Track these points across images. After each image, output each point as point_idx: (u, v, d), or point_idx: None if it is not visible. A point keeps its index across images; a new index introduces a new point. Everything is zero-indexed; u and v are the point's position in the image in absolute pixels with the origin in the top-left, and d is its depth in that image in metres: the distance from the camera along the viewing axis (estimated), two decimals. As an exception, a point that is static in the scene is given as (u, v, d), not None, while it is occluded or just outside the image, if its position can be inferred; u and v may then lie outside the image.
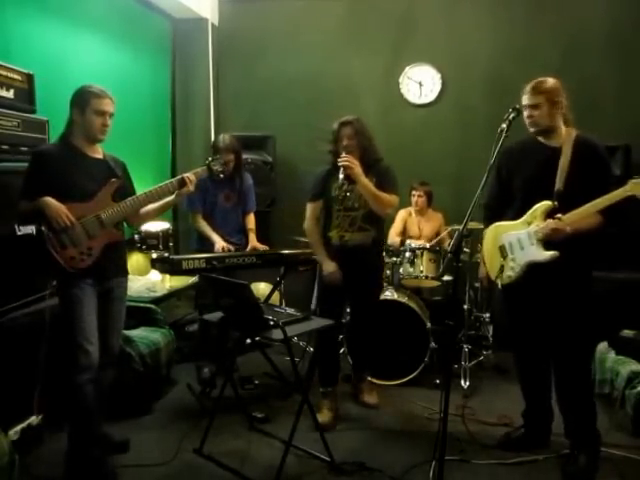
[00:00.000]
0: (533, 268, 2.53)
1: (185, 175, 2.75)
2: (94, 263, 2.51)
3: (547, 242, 2.47)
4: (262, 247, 3.62)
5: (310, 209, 3.22)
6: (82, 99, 2.51)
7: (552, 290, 2.55)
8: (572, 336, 2.55)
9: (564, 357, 2.58)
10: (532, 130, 2.57)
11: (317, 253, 3.19)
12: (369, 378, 3.52)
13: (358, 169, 2.93)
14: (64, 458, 2.52)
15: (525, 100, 2.53)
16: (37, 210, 2.42)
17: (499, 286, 2.68)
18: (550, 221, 2.45)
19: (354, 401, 3.39)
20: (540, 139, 2.60)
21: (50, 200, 2.41)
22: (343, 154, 2.96)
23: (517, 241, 2.58)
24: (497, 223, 2.71)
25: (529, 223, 2.54)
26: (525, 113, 2.53)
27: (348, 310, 3.49)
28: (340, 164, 2.92)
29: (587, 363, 2.69)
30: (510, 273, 2.61)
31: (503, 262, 2.64)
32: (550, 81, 2.53)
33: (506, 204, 2.69)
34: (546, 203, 2.48)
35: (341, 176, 2.93)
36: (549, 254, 2.46)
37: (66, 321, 2.47)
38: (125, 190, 2.69)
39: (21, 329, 2.60)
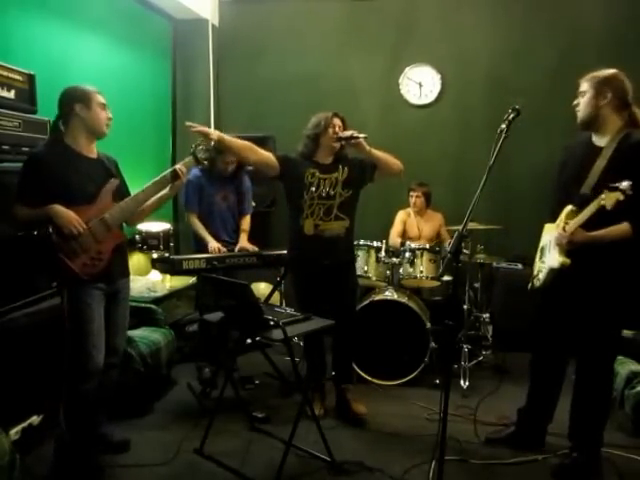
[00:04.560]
0: (560, 273, 2.42)
1: (176, 167, 2.71)
2: (104, 267, 2.50)
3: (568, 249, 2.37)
4: (251, 247, 3.55)
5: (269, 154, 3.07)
6: (84, 95, 2.48)
7: (578, 296, 2.46)
8: (600, 342, 2.46)
9: (590, 362, 2.51)
10: (578, 121, 2.46)
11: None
12: (371, 378, 3.51)
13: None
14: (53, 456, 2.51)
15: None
16: (43, 217, 2.38)
17: (528, 287, 2.63)
18: (559, 228, 2.40)
19: (343, 417, 3.13)
20: (592, 137, 2.47)
21: (59, 208, 2.37)
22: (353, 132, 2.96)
23: (548, 244, 2.51)
24: (547, 224, 2.61)
25: (558, 226, 2.44)
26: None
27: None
28: (361, 136, 2.91)
29: (611, 371, 2.58)
30: (540, 276, 2.55)
31: (540, 264, 2.59)
32: (606, 71, 2.41)
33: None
34: (568, 207, 2.40)
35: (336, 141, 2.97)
36: (559, 261, 2.37)
37: (75, 328, 2.45)
38: (122, 189, 2.67)
39: (21, 329, 2.60)
